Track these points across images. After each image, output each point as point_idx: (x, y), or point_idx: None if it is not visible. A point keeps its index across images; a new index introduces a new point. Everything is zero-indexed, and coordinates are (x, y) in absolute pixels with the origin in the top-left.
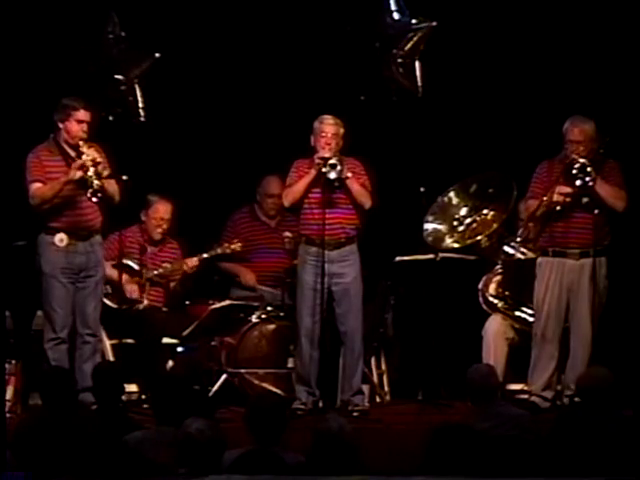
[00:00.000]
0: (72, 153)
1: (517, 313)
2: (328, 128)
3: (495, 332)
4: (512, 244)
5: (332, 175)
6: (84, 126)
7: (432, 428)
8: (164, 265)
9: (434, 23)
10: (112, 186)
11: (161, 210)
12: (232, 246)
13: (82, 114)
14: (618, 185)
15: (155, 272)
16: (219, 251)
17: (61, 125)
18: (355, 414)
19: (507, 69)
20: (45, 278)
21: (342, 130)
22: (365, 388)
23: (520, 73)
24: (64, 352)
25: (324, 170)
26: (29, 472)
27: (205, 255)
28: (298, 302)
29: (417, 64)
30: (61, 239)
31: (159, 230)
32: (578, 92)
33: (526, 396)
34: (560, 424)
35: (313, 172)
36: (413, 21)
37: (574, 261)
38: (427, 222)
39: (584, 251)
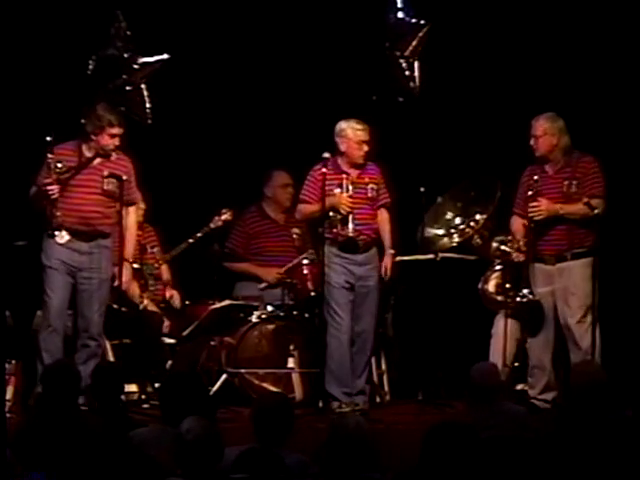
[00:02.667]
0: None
1: (518, 300)
2: (364, 135)
3: (507, 332)
4: (507, 243)
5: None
6: (116, 140)
7: (430, 427)
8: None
9: (430, 24)
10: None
11: None
12: (223, 217)
13: (117, 130)
14: (594, 192)
15: (152, 259)
16: (212, 226)
17: (93, 137)
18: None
19: (507, 69)
20: (44, 269)
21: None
22: (365, 388)
23: (520, 73)
24: (58, 345)
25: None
26: (52, 472)
27: (199, 234)
28: (332, 303)
29: (416, 64)
30: (62, 236)
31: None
32: (578, 91)
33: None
34: (559, 424)
35: (334, 201)
36: (413, 21)
37: (551, 266)
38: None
39: (560, 255)
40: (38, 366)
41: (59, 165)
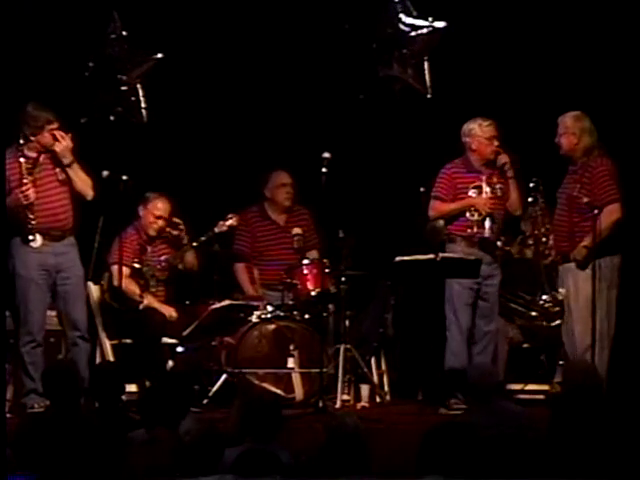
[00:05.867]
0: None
1: (513, 305)
2: (492, 130)
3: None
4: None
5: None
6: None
7: (430, 426)
8: (163, 260)
9: (444, 24)
10: (83, 183)
11: (160, 207)
12: (228, 222)
13: (55, 125)
14: (608, 199)
15: (158, 266)
16: (216, 230)
17: (33, 138)
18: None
19: (512, 70)
20: (21, 281)
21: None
22: (365, 388)
23: (525, 74)
24: (40, 355)
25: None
26: (33, 475)
27: (202, 238)
28: (455, 302)
29: (426, 65)
30: (35, 240)
31: (155, 226)
32: (587, 89)
33: (526, 396)
34: (555, 423)
35: (475, 201)
36: (423, 22)
37: (560, 265)
38: None
39: (565, 256)
40: (25, 378)
41: (25, 165)
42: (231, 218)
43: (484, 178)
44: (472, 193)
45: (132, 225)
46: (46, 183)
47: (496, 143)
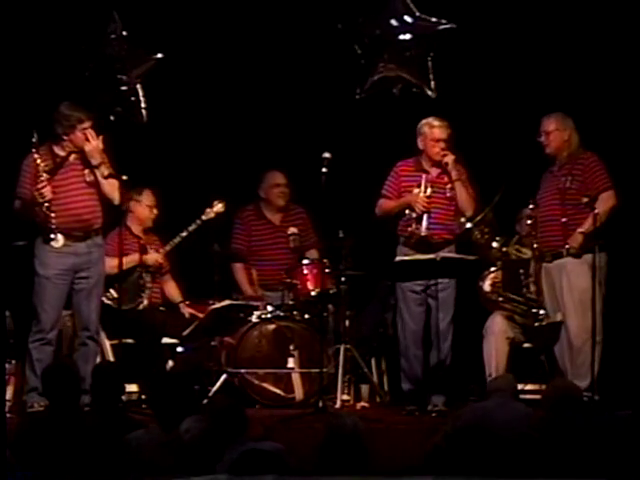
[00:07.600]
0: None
1: (514, 304)
2: (439, 132)
3: (496, 332)
4: (506, 244)
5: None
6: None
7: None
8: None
9: (453, 25)
10: (110, 186)
11: (152, 198)
12: (215, 209)
13: (87, 124)
14: (602, 186)
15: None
16: (204, 218)
17: (65, 137)
18: (434, 414)
19: (514, 70)
20: (39, 279)
21: (450, 131)
22: (365, 388)
23: (527, 74)
24: (49, 354)
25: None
26: (30, 472)
27: (191, 228)
28: (400, 303)
29: (429, 65)
30: (57, 240)
31: (152, 217)
32: (587, 90)
33: (526, 396)
34: (551, 425)
35: (410, 199)
36: (424, 22)
37: (549, 263)
38: None
39: (556, 252)
40: (29, 374)
41: (44, 165)
42: (217, 204)
43: (425, 177)
44: (416, 192)
45: (124, 226)
46: (72, 183)
47: (442, 145)
